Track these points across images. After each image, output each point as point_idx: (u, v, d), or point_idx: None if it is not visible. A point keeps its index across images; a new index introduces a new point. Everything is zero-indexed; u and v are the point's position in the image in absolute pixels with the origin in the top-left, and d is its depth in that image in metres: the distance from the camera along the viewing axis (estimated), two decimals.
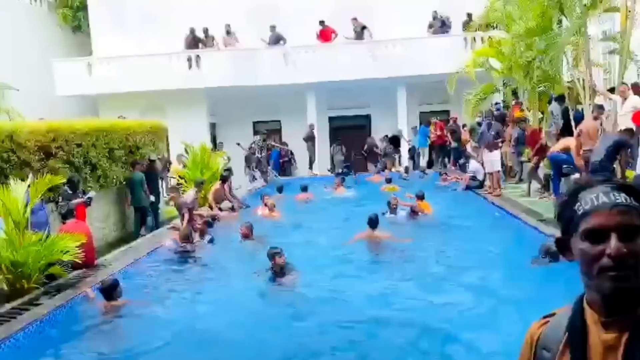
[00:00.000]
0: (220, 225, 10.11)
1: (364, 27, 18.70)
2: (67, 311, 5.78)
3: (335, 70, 17.73)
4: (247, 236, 8.48)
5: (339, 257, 7.73)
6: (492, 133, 12.06)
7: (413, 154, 19.13)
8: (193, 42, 18.86)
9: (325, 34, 18.77)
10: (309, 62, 18.36)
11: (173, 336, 5.25)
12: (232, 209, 11.69)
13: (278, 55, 18.49)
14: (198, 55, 18.43)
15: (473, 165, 12.98)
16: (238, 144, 18.26)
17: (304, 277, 6.58)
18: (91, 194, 8.76)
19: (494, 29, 15.80)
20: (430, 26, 18.72)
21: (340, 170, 17.01)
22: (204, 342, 5.10)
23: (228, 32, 18.99)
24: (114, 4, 19.81)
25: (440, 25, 18.64)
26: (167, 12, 19.21)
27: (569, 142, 9.95)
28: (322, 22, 18.64)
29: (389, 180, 14.22)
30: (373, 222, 8.08)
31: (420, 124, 19.52)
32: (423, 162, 19.07)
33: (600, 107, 9.90)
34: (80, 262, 6.35)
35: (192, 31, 18.87)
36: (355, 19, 18.66)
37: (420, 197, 10.73)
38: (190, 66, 18.43)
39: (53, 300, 5.89)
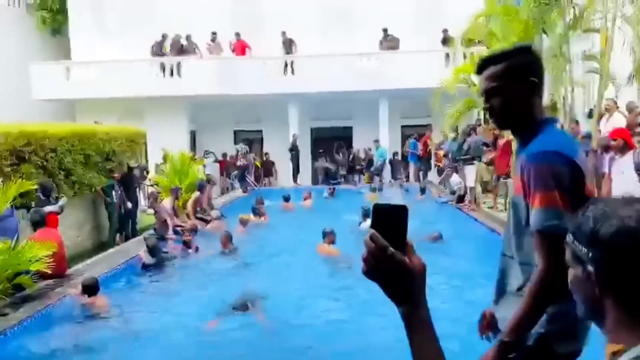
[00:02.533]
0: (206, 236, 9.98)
1: (291, 41, 18.69)
2: (34, 323, 5.52)
3: (318, 82, 17.69)
4: (225, 245, 8.44)
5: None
6: (465, 148, 12.21)
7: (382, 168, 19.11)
8: (160, 49, 18.67)
9: (241, 47, 18.72)
10: (290, 73, 18.31)
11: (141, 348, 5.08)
12: (206, 220, 11.40)
13: (259, 64, 18.39)
14: (179, 63, 18.22)
15: (455, 179, 13.00)
16: (206, 152, 18.10)
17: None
18: (62, 201, 8.48)
19: (476, 44, 15.94)
20: (381, 42, 18.83)
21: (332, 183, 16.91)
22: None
23: (213, 40, 18.84)
24: (95, 8, 19.53)
25: (389, 41, 18.74)
26: (148, 18, 19.00)
27: None
28: (237, 34, 18.60)
29: (374, 189, 14.31)
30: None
31: (409, 137, 19.47)
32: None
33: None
34: (49, 272, 6.09)
35: (173, 37, 18.64)
36: (284, 32, 18.68)
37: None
38: (164, 73, 18.21)
39: (19, 313, 5.63)
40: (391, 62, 18.09)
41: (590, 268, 0.96)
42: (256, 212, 11.33)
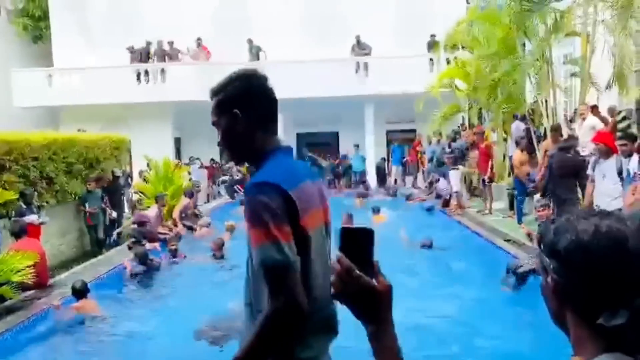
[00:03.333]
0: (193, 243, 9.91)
1: (259, 49, 18.75)
2: (17, 334, 5.42)
3: (303, 87, 17.67)
4: (216, 251, 8.44)
5: None
6: (449, 152, 12.32)
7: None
8: (147, 55, 18.54)
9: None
10: (277, 78, 18.21)
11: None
12: (191, 227, 11.31)
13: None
14: (163, 69, 18.11)
15: (442, 184, 13.04)
16: (191, 158, 18.01)
17: None
18: (43, 217, 8.38)
19: (460, 49, 16.06)
20: (353, 49, 18.93)
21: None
22: None
23: (198, 46, 18.76)
24: (77, 15, 19.36)
25: (362, 50, 18.84)
26: (131, 24, 18.86)
27: (516, 157, 10.28)
28: (199, 40, 18.61)
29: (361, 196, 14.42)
30: None
31: (390, 142, 19.54)
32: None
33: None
34: (31, 282, 5.99)
35: (157, 43, 18.54)
36: (250, 40, 18.71)
37: (376, 212, 11.64)
38: (147, 80, 18.09)
39: (1, 324, 5.52)
40: (376, 67, 18.15)
41: (551, 279, 0.97)
42: None
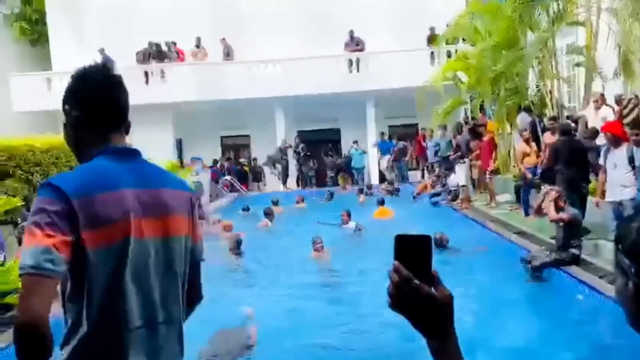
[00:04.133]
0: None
1: (228, 52, 18.67)
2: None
3: (303, 84, 17.58)
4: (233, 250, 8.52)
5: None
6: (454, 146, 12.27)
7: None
8: (149, 56, 18.41)
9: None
10: (276, 76, 18.20)
11: None
12: None
13: (244, 69, 18.27)
14: (162, 70, 17.99)
15: (453, 180, 12.92)
16: (193, 160, 17.87)
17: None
18: None
19: (461, 42, 15.96)
20: (346, 45, 18.80)
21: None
22: None
23: (197, 46, 18.65)
24: (74, 18, 19.24)
25: (355, 45, 18.72)
26: (128, 26, 18.74)
27: (519, 149, 10.22)
28: (174, 43, 18.54)
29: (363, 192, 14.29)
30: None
31: (390, 137, 19.42)
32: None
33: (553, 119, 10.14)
34: None
35: (155, 45, 18.40)
36: (223, 39, 18.61)
37: (381, 203, 11.97)
38: (147, 82, 17.96)
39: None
40: (376, 62, 18.04)
41: (632, 283, 0.91)
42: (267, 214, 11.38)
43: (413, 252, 0.97)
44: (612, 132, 6.78)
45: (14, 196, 7.68)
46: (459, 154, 12.02)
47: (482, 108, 15.78)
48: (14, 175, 8.38)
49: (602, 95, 9.89)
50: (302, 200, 14.03)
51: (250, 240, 9.27)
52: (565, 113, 11.03)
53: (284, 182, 18.52)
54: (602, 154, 7.01)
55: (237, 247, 8.51)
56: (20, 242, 6.86)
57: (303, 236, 9.08)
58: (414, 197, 14.41)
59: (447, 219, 11.23)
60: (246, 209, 13.54)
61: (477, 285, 6.63)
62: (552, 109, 11.18)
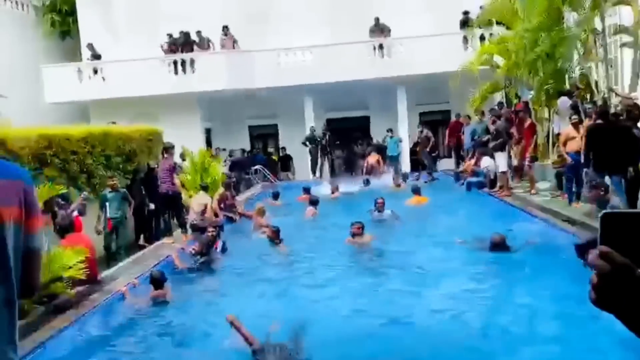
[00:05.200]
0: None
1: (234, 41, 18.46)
2: (75, 330, 5.32)
3: (332, 72, 17.33)
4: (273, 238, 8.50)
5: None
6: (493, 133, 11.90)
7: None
8: (176, 47, 18.32)
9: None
10: (305, 63, 17.98)
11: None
12: (231, 218, 11.18)
13: (273, 57, 18.08)
14: (192, 59, 17.91)
15: (485, 161, 12.54)
16: (218, 150, 17.85)
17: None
18: (84, 194, 8.26)
19: (498, 25, 15.44)
20: (372, 31, 18.39)
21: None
22: None
23: (225, 34, 18.52)
24: (104, 9, 19.29)
25: (380, 31, 18.31)
26: (157, 16, 18.72)
27: (564, 133, 9.83)
28: (225, 28, 18.28)
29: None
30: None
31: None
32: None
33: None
34: (83, 277, 5.84)
35: (184, 34, 18.28)
36: (225, 27, 18.41)
37: (417, 192, 12.04)
38: (176, 71, 17.90)
39: (57, 321, 5.38)
40: (407, 48, 17.67)
41: None
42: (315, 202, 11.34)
43: (628, 233, 0.78)
44: None
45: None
46: (500, 140, 11.62)
47: (516, 94, 15.31)
48: (51, 163, 8.34)
49: None
50: (337, 190, 13.79)
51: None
52: (614, 97, 10.56)
53: (314, 171, 18.31)
54: None
55: (276, 236, 8.36)
56: (63, 232, 6.83)
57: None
58: (457, 178, 14.12)
59: (487, 206, 10.92)
60: (276, 195, 13.44)
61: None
62: (597, 92, 10.73)
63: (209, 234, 8.48)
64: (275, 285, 6.73)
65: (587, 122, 9.37)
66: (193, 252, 7.54)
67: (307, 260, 7.79)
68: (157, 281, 6.23)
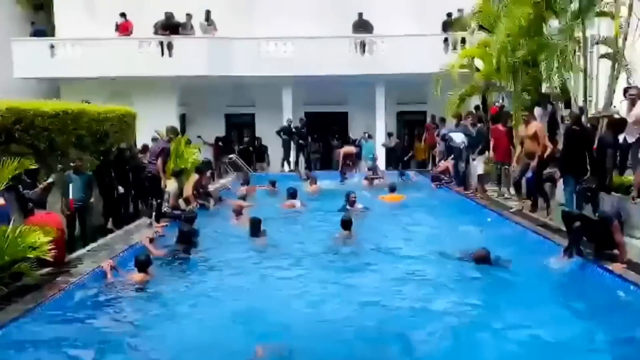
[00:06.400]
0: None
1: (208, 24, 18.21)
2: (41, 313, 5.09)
3: (314, 65, 17.18)
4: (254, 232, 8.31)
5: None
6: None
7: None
8: (166, 27, 17.82)
9: (124, 27, 18.01)
10: (287, 55, 17.78)
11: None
12: (204, 205, 10.97)
13: (254, 46, 17.81)
14: (170, 42, 17.48)
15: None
16: (199, 137, 17.62)
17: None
18: (51, 178, 7.91)
19: (477, 29, 15.54)
20: (354, 27, 18.34)
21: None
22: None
23: (207, 19, 18.14)
24: None
25: (364, 28, 18.29)
26: None
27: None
28: (123, 14, 17.92)
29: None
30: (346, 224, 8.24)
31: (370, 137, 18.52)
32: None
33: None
34: (51, 259, 5.59)
35: (169, 17, 17.77)
36: (208, 11, 18.16)
37: (392, 189, 12.28)
38: (154, 53, 17.43)
39: (21, 304, 5.13)
40: (389, 46, 17.65)
41: None
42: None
43: None
44: None
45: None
46: (480, 143, 11.72)
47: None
48: (20, 139, 7.98)
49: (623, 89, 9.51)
50: (315, 183, 13.69)
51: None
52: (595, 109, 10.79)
53: (283, 164, 18.10)
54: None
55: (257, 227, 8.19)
56: (25, 210, 6.55)
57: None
58: (433, 179, 14.19)
59: (464, 208, 10.98)
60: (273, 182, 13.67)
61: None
62: (576, 101, 10.89)
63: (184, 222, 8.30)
64: (248, 277, 6.59)
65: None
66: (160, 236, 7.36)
67: (283, 254, 7.65)
68: (142, 264, 6.15)
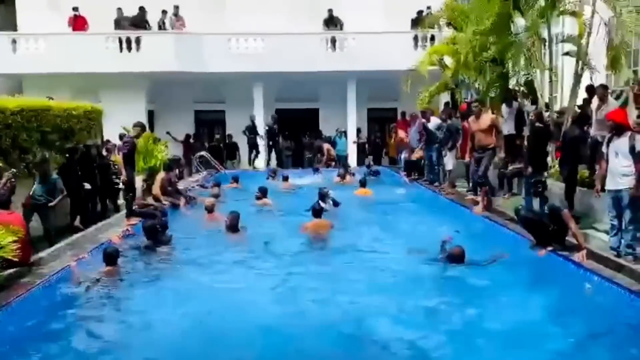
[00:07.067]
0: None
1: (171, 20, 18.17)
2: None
3: (284, 61, 17.13)
4: (232, 228, 8.12)
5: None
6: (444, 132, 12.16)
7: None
8: (136, 22, 17.52)
9: (80, 23, 17.86)
10: (257, 51, 17.68)
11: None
12: (173, 203, 10.81)
13: (223, 41, 17.64)
14: (138, 37, 17.16)
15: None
16: (168, 133, 17.43)
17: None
18: (10, 173, 7.64)
19: (446, 27, 15.74)
20: (325, 23, 18.51)
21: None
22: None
23: (176, 15, 17.88)
24: None
25: (334, 24, 18.46)
26: None
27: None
28: (75, 9, 17.71)
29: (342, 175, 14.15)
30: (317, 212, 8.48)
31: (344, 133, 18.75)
32: None
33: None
34: (16, 259, 5.43)
35: (142, 12, 17.43)
36: (176, 6, 18.12)
37: (363, 184, 12.47)
38: (121, 49, 17.08)
39: None
40: (360, 43, 17.72)
41: None
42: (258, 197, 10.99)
43: None
44: (615, 120, 6.69)
45: None
46: (450, 139, 11.87)
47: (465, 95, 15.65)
48: None
49: (605, 86, 9.67)
50: (287, 180, 13.68)
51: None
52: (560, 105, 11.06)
53: (249, 161, 18.01)
54: (605, 142, 6.93)
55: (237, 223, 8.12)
56: None
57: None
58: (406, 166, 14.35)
59: (433, 204, 11.10)
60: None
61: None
62: (542, 97, 11.14)
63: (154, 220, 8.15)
64: (224, 274, 6.52)
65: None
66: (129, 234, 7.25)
67: (260, 252, 7.61)
68: (110, 257, 6.09)
